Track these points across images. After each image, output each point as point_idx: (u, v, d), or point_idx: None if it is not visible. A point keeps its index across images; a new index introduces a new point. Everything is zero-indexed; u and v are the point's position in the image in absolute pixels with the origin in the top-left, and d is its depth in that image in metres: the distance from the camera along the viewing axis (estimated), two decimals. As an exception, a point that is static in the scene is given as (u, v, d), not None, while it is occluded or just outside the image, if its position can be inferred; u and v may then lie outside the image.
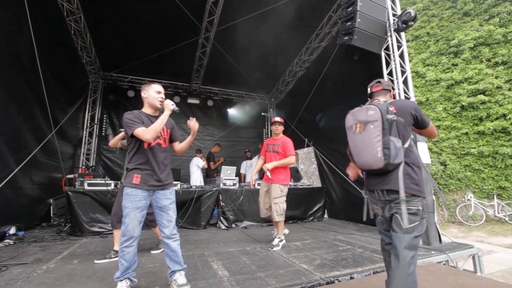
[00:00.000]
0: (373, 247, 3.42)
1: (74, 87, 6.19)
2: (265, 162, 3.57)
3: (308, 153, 7.21)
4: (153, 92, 2.14)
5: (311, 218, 5.54)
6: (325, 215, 5.96)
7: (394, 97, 2.10)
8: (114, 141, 3.10)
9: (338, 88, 5.75)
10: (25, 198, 4.05)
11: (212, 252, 3.21)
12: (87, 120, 6.87)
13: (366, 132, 1.67)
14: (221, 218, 4.77)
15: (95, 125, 6.98)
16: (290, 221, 5.30)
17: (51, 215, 4.88)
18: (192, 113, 8.20)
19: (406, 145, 1.69)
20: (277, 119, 3.58)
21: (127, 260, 1.98)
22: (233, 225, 4.76)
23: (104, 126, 7.15)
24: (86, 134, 6.82)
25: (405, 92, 4.24)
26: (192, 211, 4.64)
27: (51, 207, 4.90)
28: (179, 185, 4.75)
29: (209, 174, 6.39)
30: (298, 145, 7.35)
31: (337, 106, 5.75)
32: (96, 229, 4.04)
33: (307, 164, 7.37)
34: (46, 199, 4.80)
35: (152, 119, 2.14)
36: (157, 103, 2.14)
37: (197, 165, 6.14)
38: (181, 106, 7.90)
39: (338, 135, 5.62)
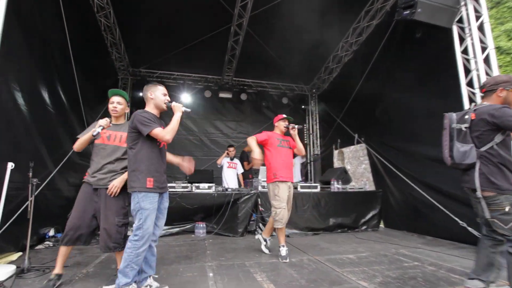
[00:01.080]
0: (448, 265, 3.12)
1: (104, 85, 6.67)
2: (280, 158, 3.50)
3: (355, 151, 6.94)
4: (160, 94, 2.31)
5: (364, 227, 5.31)
6: (381, 224, 5.65)
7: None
8: (83, 143, 2.51)
9: (395, 73, 5.40)
10: (62, 200, 4.45)
11: (254, 263, 3.21)
12: (118, 119, 7.34)
13: (443, 136, 2.29)
14: (260, 224, 4.74)
15: (125, 124, 7.41)
16: (339, 230, 5.15)
17: (86, 217, 5.31)
18: (224, 108, 8.37)
19: (485, 148, 2.05)
20: (285, 115, 3.71)
21: (138, 265, 2.13)
22: (274, 233, 4.55)
23: (134, 125, 7.56)
24: (116, 134, 7.28)
25: (487, 74, 3.82)
26: (228, 216, 4.70)
27: (86, 209, 5.33)
28: (213, 188, 4.86)
29: (244, 176, 6.45)
30: (345, 142, 7.12)
31: (395, 95, 5.41)
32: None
33: (354, 164, 7.09)
34: (81, 201, 5.22)
35: (158, 121, 2.29)
36: (164, 105, 2.32)
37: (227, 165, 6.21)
38: (212, 101, 8.11)
39: (398, 129, 5.31)
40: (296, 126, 3.58)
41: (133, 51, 6.97)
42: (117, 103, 2.58)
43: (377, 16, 6.02)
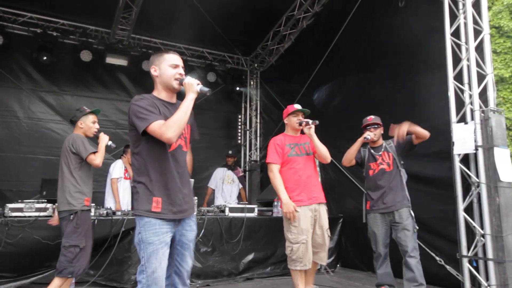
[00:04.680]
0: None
1: None
2: (295, 174, 3.85)
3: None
4: (166, 67, 2.39)
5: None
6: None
7: None
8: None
9: (368, 51, 5.85)
10: None
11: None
12: None
13: None
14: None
15: None
16: (279, 271, 5.41)
17: None
18: (114, 82, 8.03)
19: None
20: (298, 106, 3.99)
21: None
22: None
23: None
24: None
25: (478, 64, 4.36)
26: (116, 256, 4.61)
27: None
28: (92, 210, 4.61)
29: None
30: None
31: (364, 78, 5.89)
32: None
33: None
34: None
35: (171, 108, 2.38)
36: (174, 83, 2.39)
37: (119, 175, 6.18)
38: (94, 68, 7.70)
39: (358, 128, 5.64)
40: (310, 122, 3.78)
41: None
42: None
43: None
